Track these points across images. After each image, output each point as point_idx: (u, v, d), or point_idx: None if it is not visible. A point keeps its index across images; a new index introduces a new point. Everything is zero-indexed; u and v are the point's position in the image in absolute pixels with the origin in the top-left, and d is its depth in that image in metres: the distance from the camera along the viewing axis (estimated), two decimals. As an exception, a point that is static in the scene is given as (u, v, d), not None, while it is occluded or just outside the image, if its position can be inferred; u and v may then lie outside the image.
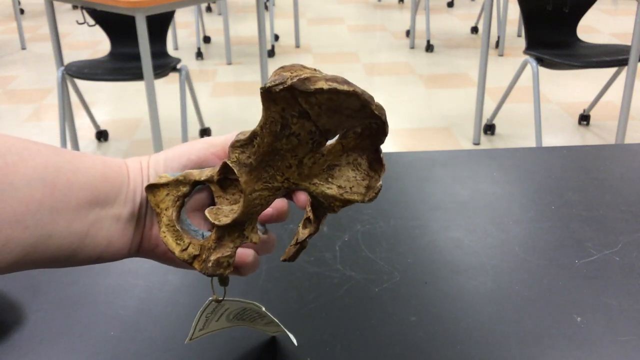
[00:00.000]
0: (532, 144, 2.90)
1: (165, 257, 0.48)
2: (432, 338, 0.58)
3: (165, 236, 0.45)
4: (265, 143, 0.41)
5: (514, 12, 5.09)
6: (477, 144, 2.94)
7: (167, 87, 3.70)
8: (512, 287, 0.65)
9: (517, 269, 0.68)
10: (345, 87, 0.38)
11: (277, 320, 0.55)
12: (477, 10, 5.45)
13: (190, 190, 0.46)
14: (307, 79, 0.38)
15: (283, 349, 0.57)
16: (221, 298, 0.51)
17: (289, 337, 0.58)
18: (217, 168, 0.45)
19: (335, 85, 0.38)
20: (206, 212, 0.45)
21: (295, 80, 0.38)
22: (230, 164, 0.43)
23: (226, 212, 0.45)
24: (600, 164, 0.91)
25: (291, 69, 0.40)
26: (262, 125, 0.41)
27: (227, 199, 0.46)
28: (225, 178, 0.45)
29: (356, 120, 0.41)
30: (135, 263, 0.70)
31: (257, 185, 0.43)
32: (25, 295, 0.65)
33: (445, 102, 3.46)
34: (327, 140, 0.42)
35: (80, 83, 2.86)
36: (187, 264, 0.45)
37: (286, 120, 0.40)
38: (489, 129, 3.03)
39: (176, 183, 0.46)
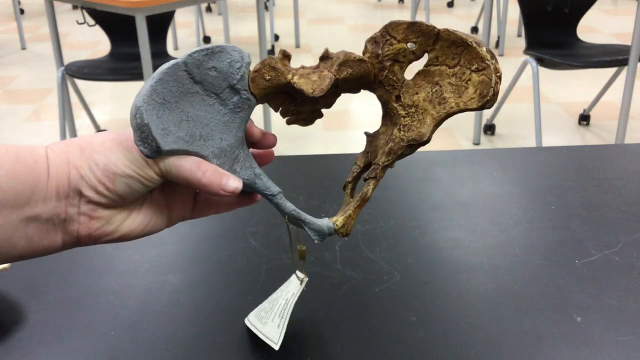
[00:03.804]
0: (532, 144, 2.90)
1: (116, 240, 0.44)
2: (432, 338, 0.58)
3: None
4: None
5: (514, 12, 5.08)
6: (477, 144, 2.94)
7: (167, 87, 3.70)
8: (512, 287, 0.65)
9: (517, 269, 0.68)
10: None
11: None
12: (477, 10, 5.45)
13: None
14: None
15: (282, 350, 0.57)
16: (303, 276, 0.58)
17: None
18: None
19: None
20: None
21: None
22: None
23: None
24: (600, 164, 0.91)
25: None
26: None
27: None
28: None
29: None
30: (135, 263, 0.70)
31: None
32: (25, 295, 0.65)
33: (445, 102, 3.46)
34: None
35: (80, 83, 2.85)
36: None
37: None
38: (489, 129, 3.03)
39: None
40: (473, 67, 0.46)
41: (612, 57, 2.63)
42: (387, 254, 0.71)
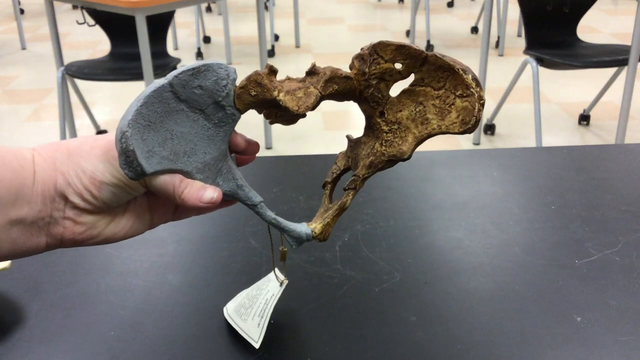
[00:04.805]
0: (532, 144, 2.90)
1: (99, 243, 0.45)
2: (432, 338, 0.58)
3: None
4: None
5: (514, 12, 5.08)
6: (477, 144, 2.94)
7: (167, 87, 3.70)
8: (512, 287, 0.65)
9: (517, 269, 0.68)
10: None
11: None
12: (477, 10, 5.45)
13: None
14: None
15: (283, 349, 0.58)
16: (283, 278, 0.58)
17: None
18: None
19: None
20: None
21: None
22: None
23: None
24: (600, 164, 0.91)
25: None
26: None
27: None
28: None
29: None
30: (135, 263, 0.70)
31: None
32: (25, 295, 0.65)
33: (445, 102, 3.45)
34: None
35: (80, 83, 2.85)
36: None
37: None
38: (489, 129, 3.03)
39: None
40: (457, 93, 0.47)
41: (612, 57, 2.63)
42: (387, 254, 0.71)
